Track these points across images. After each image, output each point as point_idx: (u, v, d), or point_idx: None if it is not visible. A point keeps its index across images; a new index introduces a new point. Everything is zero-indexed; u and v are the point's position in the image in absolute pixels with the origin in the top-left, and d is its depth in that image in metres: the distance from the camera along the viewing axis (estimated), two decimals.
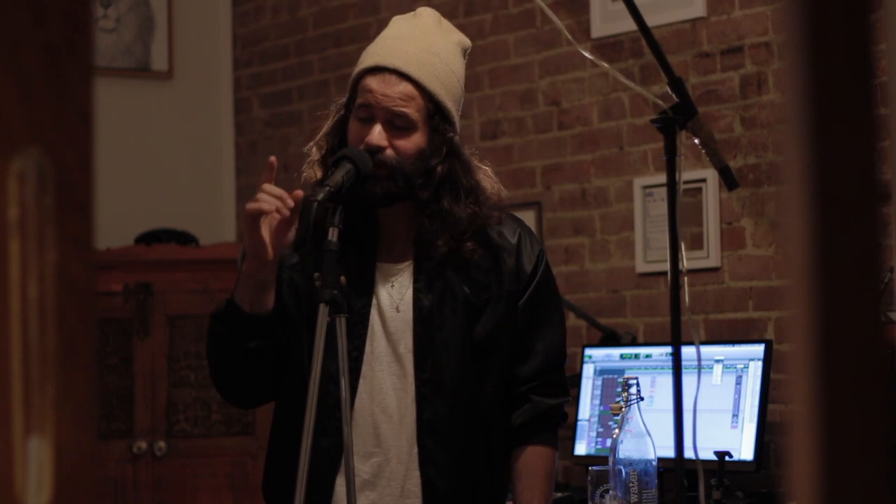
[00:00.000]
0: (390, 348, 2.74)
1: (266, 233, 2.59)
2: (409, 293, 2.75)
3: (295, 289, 2.76)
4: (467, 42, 2.87)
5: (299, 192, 2.58)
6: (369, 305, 2.74)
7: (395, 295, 2.76)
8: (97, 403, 0.87)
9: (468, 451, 2.75)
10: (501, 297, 2.78)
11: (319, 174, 2.76)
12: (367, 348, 2.73)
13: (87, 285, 0.86)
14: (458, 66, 2.81)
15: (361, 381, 2.69)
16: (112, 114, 5.53)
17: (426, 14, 2.83)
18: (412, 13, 2.84)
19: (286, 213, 2.58)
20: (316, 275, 2.52)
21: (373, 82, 2.72)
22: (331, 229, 2.56)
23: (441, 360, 2.73)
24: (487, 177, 2.82)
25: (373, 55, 2.76)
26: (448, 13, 5.00)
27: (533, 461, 2.81)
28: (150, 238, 5.29)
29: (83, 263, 0.86)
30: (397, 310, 2.75)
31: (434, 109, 2.73)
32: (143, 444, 4.80)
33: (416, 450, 2.72)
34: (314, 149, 2.81)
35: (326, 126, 2.81)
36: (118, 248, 5.04)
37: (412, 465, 2.72)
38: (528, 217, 4.73)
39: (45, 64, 0.85)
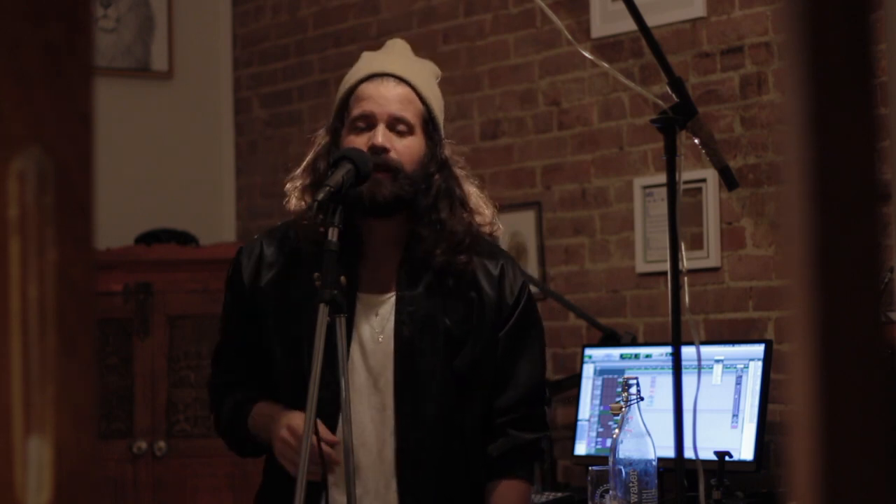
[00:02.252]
0: (370, 381, 2.74)
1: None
2: (391, 325, 2.75)
3: (279, 310, 2.77)
4: (438, 71, 2.92)
5: (332, 442, 2.62)
6: (350, 339, 2.74)
7: (376, 326, 2.76)
8: (97, 403, 0.87)
9: (449, 482, 2.76)
10: (483, 330, 2.79)
11: (307, 201, 2.75)
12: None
13: (87, 285, 0.86)
14: (436, 87, 2.85)
15: (341, 416, 2.65)
16: (112, 114, 5.53)
17: (399, 43, 2.89)
18: (383, 47, 2.89)
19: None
20: (316, 275, 2.53)
21: (371, 88, 2.74)
22: (331, 229, 2.56)
23: (422, 392, 2.73)
24: (475, 190, 2.84)
25: (366, 68, 2.79)
26: (448, 13, 5.01)
27: (506, 496, 2.81)
28: (150, 238, 5.29)
29: (83, 263, 0.86)
30: (378, 342, 2.75)
31: (428, 116, 2.76)
32: (143, 444, 4.80)
33: (394, 482, 2.72)
34: (295, 184, 2.80)
35: (309, 157, 2.81)
36: (118, 248, 5.04)
37: (390, 497, 2.73)
38: (528, 217, 4.73)
39: (45, 64, 0.85)
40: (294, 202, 2.79)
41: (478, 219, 2.80)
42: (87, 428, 0.85)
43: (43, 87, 0.85)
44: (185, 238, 5.36)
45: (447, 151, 2.80)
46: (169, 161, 5.81)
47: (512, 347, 2.82)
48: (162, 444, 4.82)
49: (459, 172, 2.81)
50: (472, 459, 2.80)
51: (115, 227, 5.26)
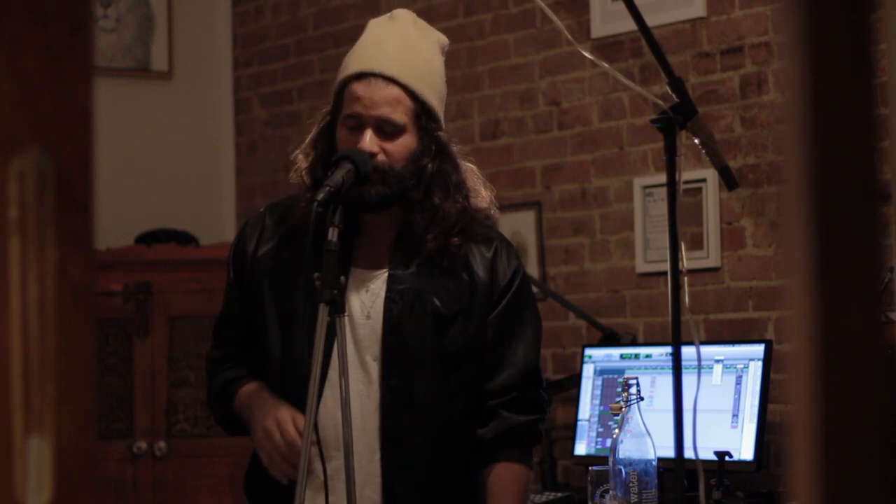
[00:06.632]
0: (357, 355, 2.74)
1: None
2: (381, 301, 2.75)
3: (274, 281, 2.78)
4: (445, 40, 2.88)
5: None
6: None
7: (366, 302, 2.76)
8: (97, 403, 0.87)
9: (435, 462, 2.75)
10: (473, 311, 2.78)
11: (308, 181, 2.78)
12: (334, 354, 2.73)
13: (87, 285, 0.86)
14: (439, 63, 2.82)
15: (327, 385, 2.67)
16: (112, 114, 5.53)
17: (403, 16, 2.84)
18: (388, 15, 2.85)
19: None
20: (316, 275, 2.53)
21: (359, 89, 2.72)
22: (331, 229, 2.57)
23: (409, 370, 2.73)
24: (472, 172, 2.83)
25: (356, 62, 2.77)
26: (448, 13, 5.01)
27: (502, 478, 2.79)
28: (150, 238, 5.29)
29: (83, 263, 0.86)
30: (368, 317, 2.75)
31: (421, 110, 2.74)
32: (143, 444, 4.80)
33: (378, 456, 2.72)
34: (301, 156, 2.83)
35: (313, 133, 2.83)
36: (118, 248, 5.03)
37: (373, 471, 2.72)
38: (528, 217, 4.73)
39: (45, 64, 0.85)
40: (294, 176, 2.83)
41: (474, 201, 2.80)
42: (87, 428, 0.85)
43: (43, 87, 0.85)
44: (185, 238, 5.36)
45: (444, 136, 2.80)
46: (169, 161, 5.81)
47: (504, 330, 2.81)
48: (162, 444, 4.82)
49: (456, 155, 2.81)
50: (463, 441, 2.79)
51: (115, 227, 5.26)
